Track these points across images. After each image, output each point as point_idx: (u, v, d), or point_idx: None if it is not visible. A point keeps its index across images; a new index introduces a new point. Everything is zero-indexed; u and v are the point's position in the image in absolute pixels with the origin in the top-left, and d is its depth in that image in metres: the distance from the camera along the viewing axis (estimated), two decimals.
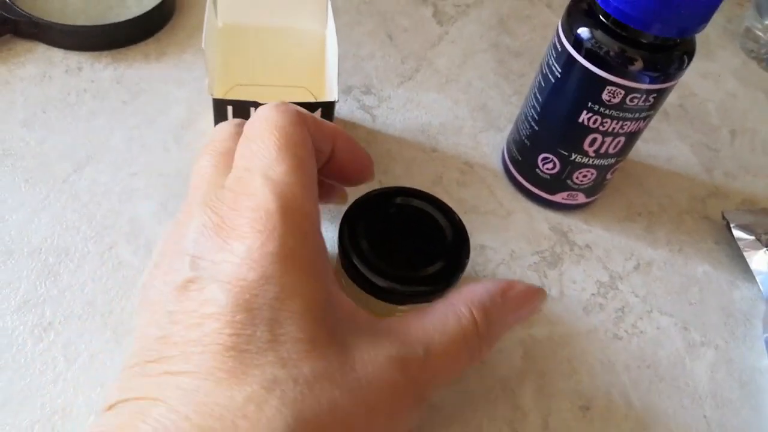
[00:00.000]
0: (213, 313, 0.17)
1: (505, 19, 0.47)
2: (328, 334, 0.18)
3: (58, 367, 0.25)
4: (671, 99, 0.44)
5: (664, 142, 0.41)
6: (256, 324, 0.17)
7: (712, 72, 0.47)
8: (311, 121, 0.22)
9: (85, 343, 0.26)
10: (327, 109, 0.29)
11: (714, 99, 0.45)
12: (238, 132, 0.22)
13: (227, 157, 0.21)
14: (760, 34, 0.48)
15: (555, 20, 0.48)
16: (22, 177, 0.31)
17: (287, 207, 0.18)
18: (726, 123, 0.43)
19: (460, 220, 0.26)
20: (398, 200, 0.26)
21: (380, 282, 0.23)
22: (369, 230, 0.25)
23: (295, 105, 0.22)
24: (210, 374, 0.16)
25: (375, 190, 0.26)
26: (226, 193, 0.19)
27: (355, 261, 0.24)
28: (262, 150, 0.20)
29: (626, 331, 0.31)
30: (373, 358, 0.18)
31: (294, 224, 0.18)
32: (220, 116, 0.28)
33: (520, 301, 0.23)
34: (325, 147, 0.23)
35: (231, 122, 0.23)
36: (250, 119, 0.22)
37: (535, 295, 0.23)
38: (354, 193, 0.27)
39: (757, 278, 0.33)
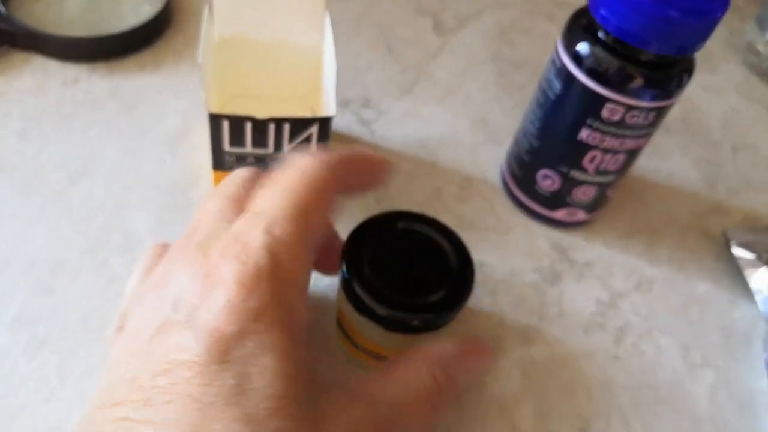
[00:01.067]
0: (185, 361, 0.17)
1: (505, 30, 0.47)
2: (298, 393, 0.17)
3: (51, 384, 0.25)
4: (673, 113, 0.44)
5: (666, 157, 0.40)
6: (225, 377, 0.16)
7: (714, 86, 0.47)
8: (352, 166, 0.22)
9: (79, 360, 0.26)
10: (323, 124, 0.29)
11: (716, 113, 0.44)
12: (252, 179, 0.22)
13: (234, 203, 0.21)
14: (762, 48, 0.48)
15: (556, 32, 0.48)
16: (18, 188, 0.31)
17: (277, 268, 0.18)
18: (728, 138, 0.43)
19: (464, 246, 0.25)
20: (401, 225, 0.26)
21: (382, 310, 0.23)
22: (372, 255, 0.24)
23: (336, 154, 0.22)
24: (173, 427, 0.16)
25: (378, 214, 0.26)
26: (223, 237, 0.19)
27: (357, 288, 0.23)
28: (280, 202, 0.20)
29: (626, 351, 0.30)
30: (339, 421, 0.18)
31: (279, 286, 0.18)
32: (215, 131, 0.28)
33: (476, 357, 0.24)
34: (359, 185, 0.24)
35: (248, 169, 0.23)
36: (286, 163, 0.22)
37: (487, 354, 0.25)
38: (356, 215, 0.27)
39: (756, 297, 0.32)
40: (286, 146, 0.29)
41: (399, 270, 0.24)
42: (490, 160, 0.38)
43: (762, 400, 0.29)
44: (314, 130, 0.29)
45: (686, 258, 0.35)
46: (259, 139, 0.29)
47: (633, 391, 0.29)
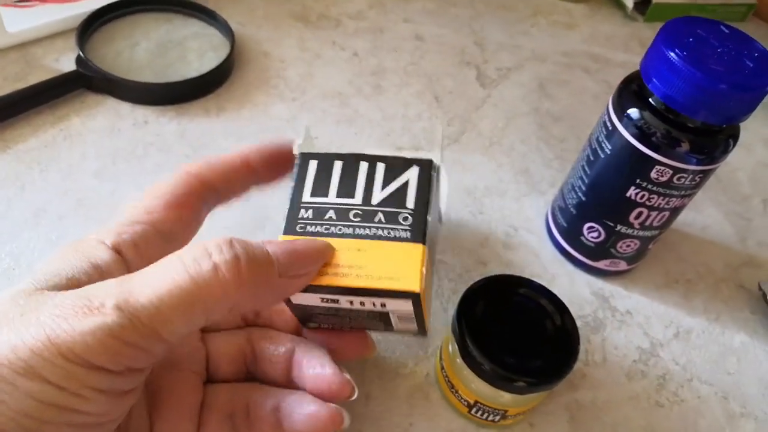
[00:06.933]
0: None
1: (544, 83, 0.49)
2: None
3: None
4: None
5: (699, 211, 0.42)
6: None
7: (743, 141, 0.49)
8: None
9: None
10: (423, 169, 0.26)
11: (745, 168, 0.46)
12: None
13: None
14: None
15: (592, 85, 0.50)
16: (95, 226, 0.33)
17: None
18: (757, 192, 0.45)
19: (573, 320, 0.28)
20: (522, 291, 0.28)
21: (488, 366, 0.26)
22: (483, 314, 0.27)
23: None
24: None
25: (493, 276, 0.29)
26: None
27: (469, 341, 0.26)
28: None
29: (668, 399, 0.32)
30: None
31: None
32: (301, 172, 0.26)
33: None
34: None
35: None
36: None
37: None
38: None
39: None
40: (377, 195, 0.25)
41: (509, 331, 0.27)
42: (533, 209, 0.39)
43: None
44: (412, 176, 0.25)
45: (722, 309, 0.36)
46: (346, 186, 0.25)
47: None
